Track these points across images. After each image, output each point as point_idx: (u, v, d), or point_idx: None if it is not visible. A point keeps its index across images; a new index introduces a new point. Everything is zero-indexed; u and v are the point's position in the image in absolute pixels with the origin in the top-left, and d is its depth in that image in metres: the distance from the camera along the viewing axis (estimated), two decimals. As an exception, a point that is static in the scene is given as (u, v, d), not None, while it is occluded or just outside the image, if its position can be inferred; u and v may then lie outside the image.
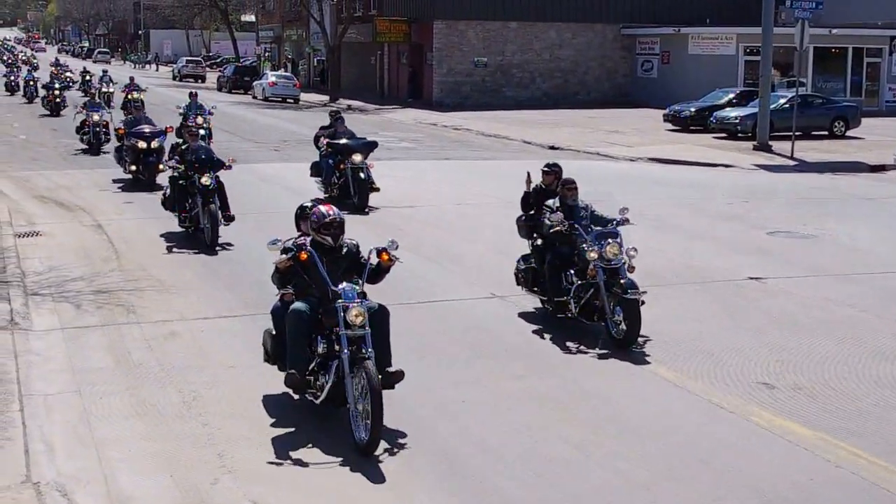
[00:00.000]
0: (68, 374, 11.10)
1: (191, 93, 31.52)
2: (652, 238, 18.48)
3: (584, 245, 12.49)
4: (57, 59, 72.42)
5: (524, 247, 14.38)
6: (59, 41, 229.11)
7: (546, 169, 14.36)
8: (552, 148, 35.71)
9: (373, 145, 23.30)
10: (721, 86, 46.65)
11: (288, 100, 62.15)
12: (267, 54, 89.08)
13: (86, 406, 10.13)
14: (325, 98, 62.73)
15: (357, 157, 22.24)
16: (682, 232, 20.04)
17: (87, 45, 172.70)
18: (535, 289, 13.47)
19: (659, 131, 41.44)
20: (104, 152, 30.63)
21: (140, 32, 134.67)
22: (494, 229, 19.79)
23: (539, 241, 13.49)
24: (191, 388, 10.71)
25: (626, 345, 11.91)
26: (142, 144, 24.63)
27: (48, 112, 44.98)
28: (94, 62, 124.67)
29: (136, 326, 12.94)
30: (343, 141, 22.90)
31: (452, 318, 13.61)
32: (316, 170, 23.38)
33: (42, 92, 48.98)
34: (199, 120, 29.38)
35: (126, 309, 13.74)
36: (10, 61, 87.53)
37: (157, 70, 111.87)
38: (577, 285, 12.60)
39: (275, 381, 10.68)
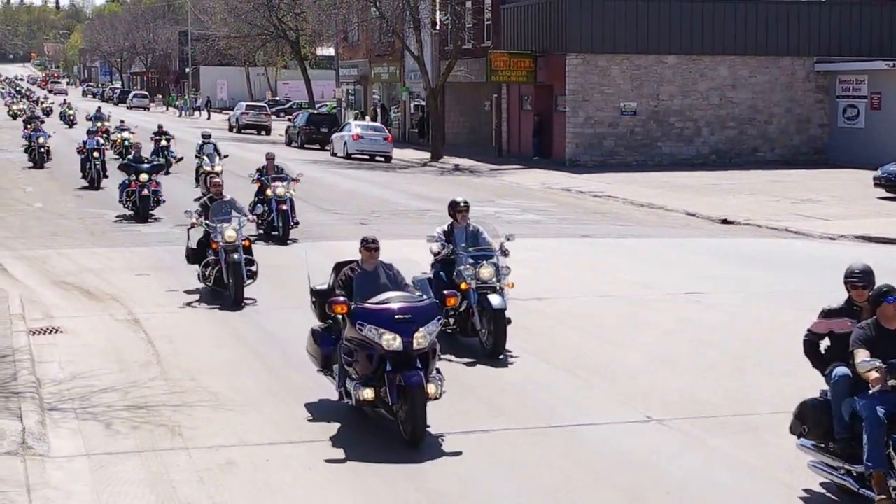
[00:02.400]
0: (96, 514, 11.22)
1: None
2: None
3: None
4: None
5: (691, 356, 14.24)
6: (83, 80, 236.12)
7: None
8: (724, 222, 35.48)
9: None
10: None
11: (377, 157, 62.98)
12: (350, 99, 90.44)
13: (118, 558, 10.26)
14: (425, 155, 63.33)
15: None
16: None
17: (119, 86, 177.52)
18: None
19: (868, 200, 40.92)
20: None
21: (187, 70, 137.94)
22: (652, 330, 19.66)
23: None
24: (254, 537, 10.74)
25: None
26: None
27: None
28: (129, 108, 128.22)
29: (184, 453, 13.07)
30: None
31: (597, 450, 13.48)
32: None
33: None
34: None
35: (170, 430, 13.90)
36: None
37: (208, 118, 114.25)
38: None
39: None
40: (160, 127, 50.78)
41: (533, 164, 57.40)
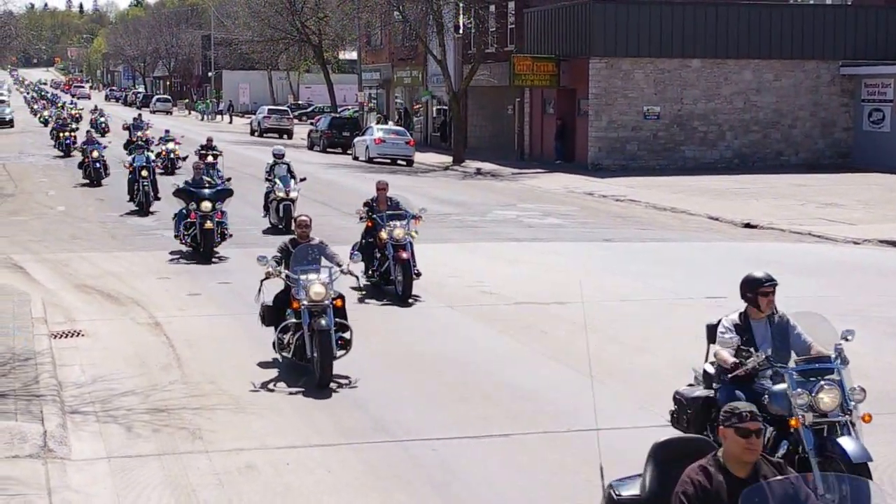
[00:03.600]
0: (116, 517, 11.29)
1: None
2: (886, 349, 18.13)
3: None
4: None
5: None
6: (106, 84, 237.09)
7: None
8: (747, 226, 35.44)
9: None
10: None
11: (399, 161, 63.09)
12: (372, 103, 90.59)
13: (138, 560, 10.32)
14: (447, 159, 63.40)
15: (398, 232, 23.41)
16: (927, 341, 19.63)
17: (142, 90, 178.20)
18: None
19: (893, 204, 40.83)
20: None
21: (210, 74, 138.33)
22: (673, 335, 19.66)
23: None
24: (273, 540, 10.80)
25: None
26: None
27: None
28: (152, 112, 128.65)
29: (204, 456, 13.15)
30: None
31: (617, 454, 13.46)
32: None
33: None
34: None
35: (190, 433, 13.99)
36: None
37: (230, 122, 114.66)
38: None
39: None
40: (209, 141, 46.29)
41: (555, 168, 57.42)
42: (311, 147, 75.05)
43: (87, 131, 52.32)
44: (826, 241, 32.45)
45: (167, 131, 56.20)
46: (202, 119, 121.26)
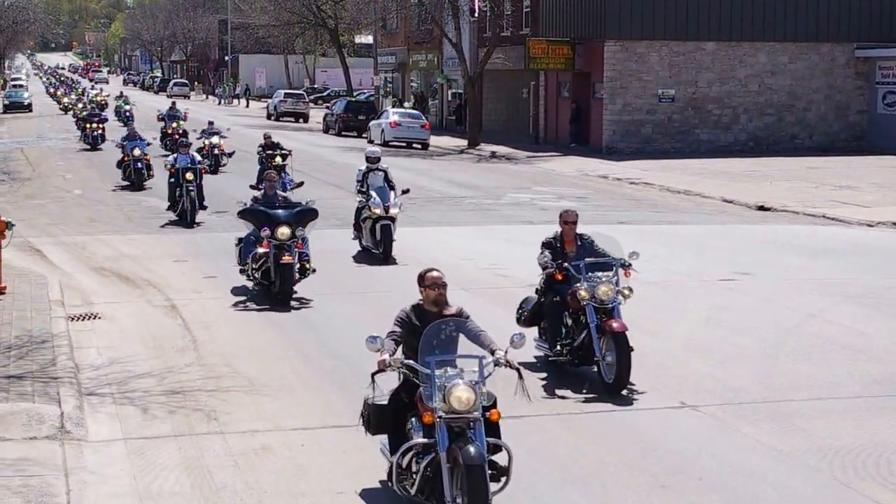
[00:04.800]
0: (132, 498, 11.37)
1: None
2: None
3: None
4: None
5: (725, 343, 14.28)
6: (123, 69, 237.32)
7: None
8: (761, 208, 35.36)
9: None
10: None
11: (414, 144, 63.07)
12: (388, 86, 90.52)
13: (154, 541, 10.36)
14: (462, 142, 63.36)
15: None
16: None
17: (159, 74, 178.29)
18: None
19: (907, 187, 40.75)
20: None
21: (227, 59, 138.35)
22: (686, 317, 19.67)
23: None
24: (287, 521, 10.82)
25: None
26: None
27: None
28: (169, 96, 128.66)
29: (219, 438, 13.20)
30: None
31: (628, 434, 13.51)
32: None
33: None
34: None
35: (206, 415, 14.04)
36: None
37: (247, 106, 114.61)
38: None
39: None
40: (268, 138, 37.13)
41: (570, 151, 57.36)
42: (326, 131, 75.05)
43: (129, 125, 45.42)
44: (840, 224, 32.38)
45: (211, 122, 48.65)
46: (219, 103, 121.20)
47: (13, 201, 34.88)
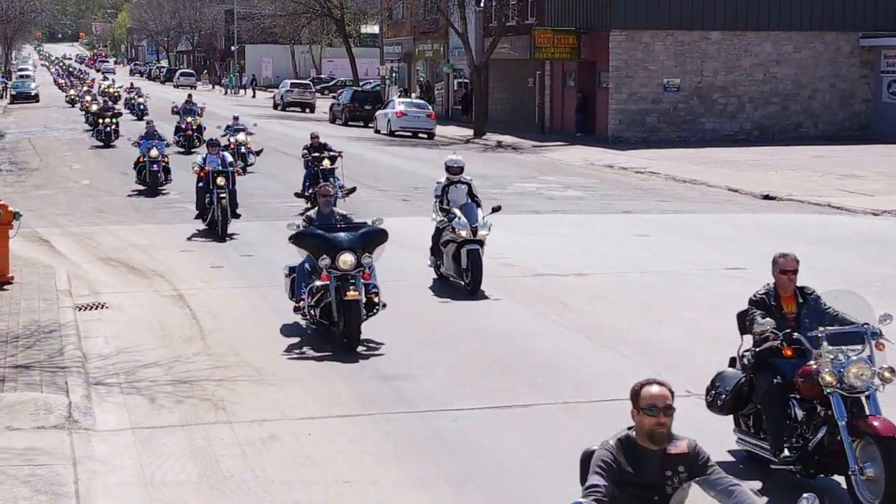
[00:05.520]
0: (140, 487, 11.36)
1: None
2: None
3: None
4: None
5: (732, 331, 14.15)
6: (130, 59, 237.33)
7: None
8: (766, 197, 35.32)
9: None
10: None
11: (420, 134, 63.03)
12: (394, 76, 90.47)
13: (162, 530, 10.36)
14: (468, 132, 63.32)
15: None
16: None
17: (166, 64, 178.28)
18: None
19: (912, 175, 40.69)
20: None
21: (233, 49, 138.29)
22: (692, 306, 19.64)
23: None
24: (295, 510, 10.82)
25: None
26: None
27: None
28: (176, 86, 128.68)
29: (227, 427, 13.19)
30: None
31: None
32: None
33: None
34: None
35: (213, 404, 14.03)
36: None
37: (253, 96, 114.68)
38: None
39: (404, 500, 10.74)
40: (315, 138, 32.36)
41: (575, 140, 57.28)
42: (332, 120, 75.02)
43: (148, 121, 40.10)
44: (845, 213, 32.34)
45: (236, 118, 45.12)
46: (225, 93, 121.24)
47: (21, 191, 34.92)
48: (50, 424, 12.78)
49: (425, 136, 62.73)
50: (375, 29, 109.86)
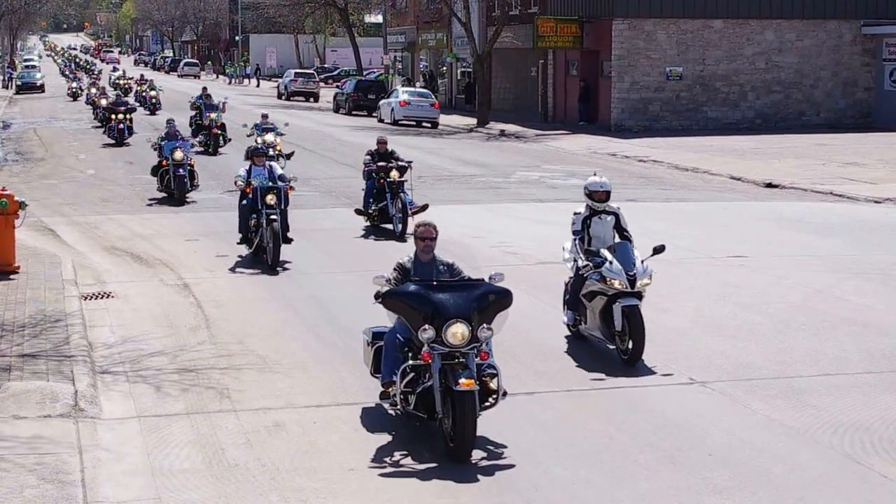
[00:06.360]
0: (146, 476, 11.37)
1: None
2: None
3: None
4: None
5: (734, 319, 14.20)
6: (135, 49, 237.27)
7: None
8: (769, 185, 35.30)
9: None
10: None
11: (424, 123, 63.03)
12: (397, 65, 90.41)
13: (167, 518, 10.36)
14: (472, 121, 63.30)
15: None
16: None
17: (170, 54, 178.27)
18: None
19: (914, 163, 40.65)
20: None
21: (237, 38, 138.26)
22: (696, 294, 19.64)
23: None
24: (300, 497, 10.84)
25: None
26: None
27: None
28: (180, 76, 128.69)
29: (232, 415, 13.20)
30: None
31: (639, 412, 13.48)
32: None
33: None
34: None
35: (219, 393, 14.04)
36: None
37: (257, 86, 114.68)
38: None
39: (409, 487, 10.74)
40: (382, 143, 27.09)
41: (578, 129, 57.27)
42: (336, 110, 75.04)
43: (168, 120, 35.29)
44: (847, 200, 32.32)
45: (265, 115, 39.96)
46: (230, 83, 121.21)
47: (27, 181, 34.95)
48: (56, 413, 12.80)
49: (429, 125, 62.73)
50: (379, 18, 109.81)
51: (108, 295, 19.59)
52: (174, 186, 30.74)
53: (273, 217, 21.95)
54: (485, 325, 12.31)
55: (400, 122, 62.88)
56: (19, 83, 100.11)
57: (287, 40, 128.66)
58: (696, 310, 18.45)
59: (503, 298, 12.72)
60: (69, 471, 11.15)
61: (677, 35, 56.79)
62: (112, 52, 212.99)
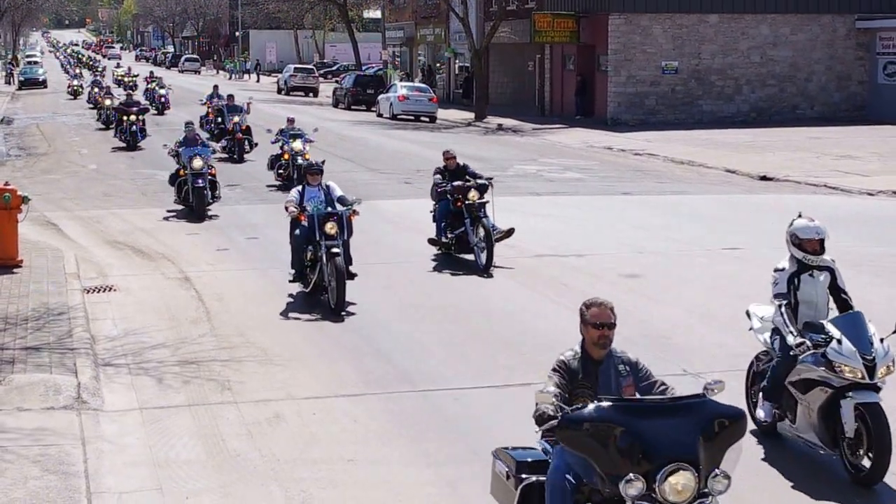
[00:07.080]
0: (148, 466, 11.41)
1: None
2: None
3: None
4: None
5: (729, 311, 14.19)
6: (136, 45, 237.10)
7: None
8: (763, 178, 35.30)
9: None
10: None
11: (422, 118, 62.98)
12: (396, 60, 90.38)
13: (169, 508, 10.38)
14: (470, 115, 63.29)
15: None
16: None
17: (171, 50, 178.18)
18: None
19: (907, 156, 40.65)
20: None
21: (237, 34, 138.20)
22: (691, 287, 19.65)
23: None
24: (300, 488, 10.87)
25: None
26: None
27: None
28: (181, 72, 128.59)
29: (233, 407, 13.23)
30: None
31: (634, 402, 13.49)
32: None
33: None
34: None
35: (220, 385, 14.07)
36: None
37: (257, 81, 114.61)
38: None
39: (408, 477, 10.78)
40: (450, 158, 22.52)
41: (575, 123, 57.27)
42: (335, 105, 74.98)
43: (187, 123, 31.14)
44: (841, 193, 32.32)
45: (290, 120, 34.98)
46: (230, 78, 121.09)
47: (29, 176, 34.94)
48: (59, 405, 12.83)
49: (427, 119, 62.70)
50: (377, 14, 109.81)
51: (111, 288, 19.60)
52: (193, 198, 27.31)
53: (335, 251, 18.06)
54: (717, 470, 7.75)
55: (398, 117, 62.88)
56: (22, 79, 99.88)
57: (287, 36, 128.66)
58: (690, 301, 18.46)
59: (737, 424, 8.07)
60: (72, 462, 11.18)
61: (673, 30, 56.78)
62: (113, 48, 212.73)
